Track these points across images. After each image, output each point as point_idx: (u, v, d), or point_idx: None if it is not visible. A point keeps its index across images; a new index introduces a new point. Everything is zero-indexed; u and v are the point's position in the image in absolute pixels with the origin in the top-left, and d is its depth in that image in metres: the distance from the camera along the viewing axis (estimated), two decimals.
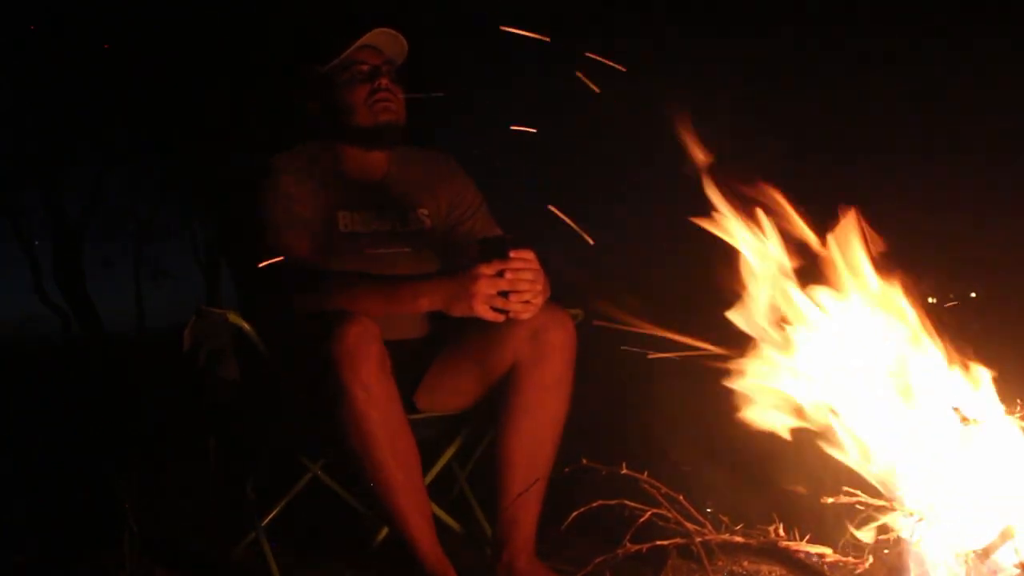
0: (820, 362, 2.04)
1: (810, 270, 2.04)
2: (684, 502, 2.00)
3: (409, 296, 2.20)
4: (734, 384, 2.05)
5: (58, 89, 13.91)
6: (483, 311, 2.14)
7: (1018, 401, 1.97)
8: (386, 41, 2.46)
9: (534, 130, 2.39)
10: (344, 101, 2.43)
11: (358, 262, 2.38)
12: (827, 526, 2.03)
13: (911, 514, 1.89)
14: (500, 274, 2.15)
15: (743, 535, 2.01)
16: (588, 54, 2.17)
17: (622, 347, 2.09)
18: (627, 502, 1.98)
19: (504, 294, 2.15)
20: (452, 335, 2.42)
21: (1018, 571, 1.78)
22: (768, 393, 2.06)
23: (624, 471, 1.99)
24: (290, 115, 2.53)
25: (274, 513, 2.47)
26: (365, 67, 2.43)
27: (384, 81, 2.43)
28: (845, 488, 1.98)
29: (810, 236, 2.06)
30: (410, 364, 2.38)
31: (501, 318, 2.16)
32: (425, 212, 2.53)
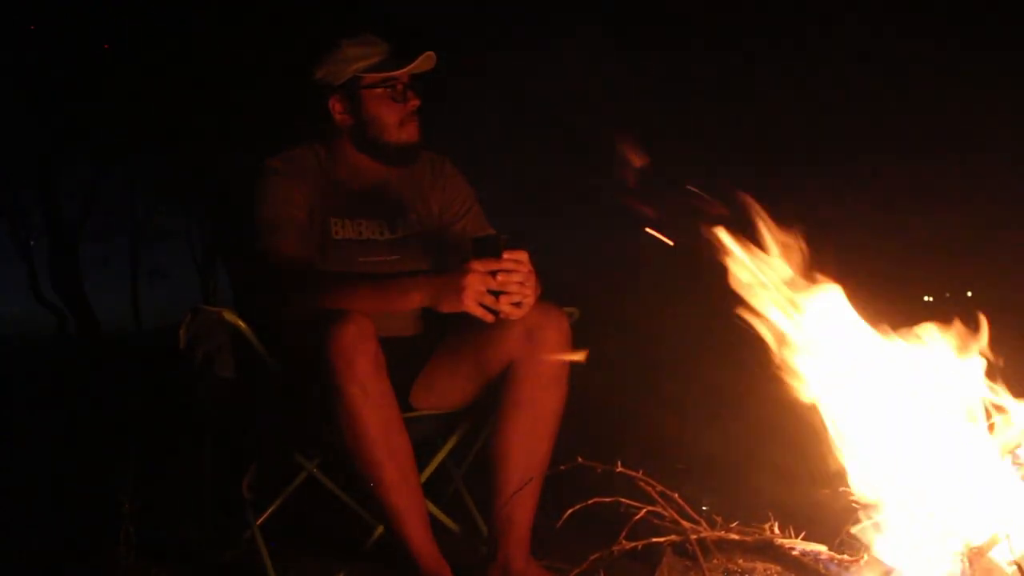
0: (813, 362, 2.04)
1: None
2: (679, 500, 2.00)
3: (401, 291, 2.21)
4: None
5: (55, 88, 13.89)
6: (472, 307, 2.14)
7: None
8: (424, 59, 2.46)
9: None
10: (376, 116, 2.43)
11: (349, 269, 2.39)
12: (823, 523, 2.03)
13: (907, 512, 1.89)
14: (493, 274, 2.15)
15: (738, 532, 2.01)
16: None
17: None
18: (623, 500, 1.97)
19: (495, 294, 2.15)
20: (448, 333, 2.42)
21: (1013, 569, 1.78)
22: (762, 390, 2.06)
23: (619, 469, 1.99)
24: (296, 113, 2.52)
25: (270, 512, 2.47)
26: (400, 85, 2.43)
27: (416, 103, 2.44)
28: (841, 488, 1.98)
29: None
30: (406, 362, 2.38)
31: (490, 317, 2.16)
32: (415, 217, 2.53)
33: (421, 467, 2.28)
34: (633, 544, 1.97)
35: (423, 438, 2.35)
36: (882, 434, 1.98)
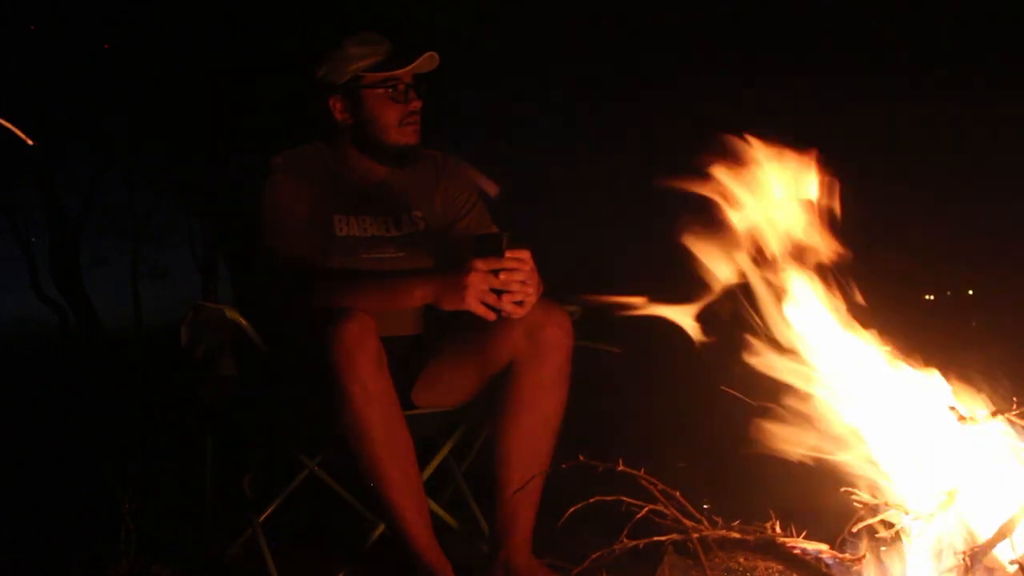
0: (814, 362, 2.04)
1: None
2: (681, 498, 2.00)
3: (403, 289, 2.21)
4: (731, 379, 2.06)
5: (56, 86, 13.90)
6: (474, 305, 2.15)
7: (1014, 399, 1.97)
8: (426, 59, 2.45)
9: None
10: (376, 116, 2.42)
11: (353, 267, 2.39)
12: (824, 522, 2.03)
13: (908, 512, 1.89)
14: (495, 272, 2.15)
15: (740, 531, 2.01)
16: None
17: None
18: (624, 498, 1.97)
19: (497, 293, 2.15)
20: (449, 332, 2.42)
21: (1015, 568, 1.78)
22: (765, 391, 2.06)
23: (621, 467, 1.99)
24: (299, 111, 2.52)
25: (271, 510, 2.47)
26: (401, 86, 2.43)
27: (418, 104, 2.44)
28: (843, 488, 1.98)
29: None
30: (407, 360, 2.38)
31: (492, 316, 2.16)
32: (419, 214, 2.53)
33: (422, 465, 2.28)
34: (635, 542, 1.97)
35: (425, 436, 2.35)
36: (882, 434, 1.98)
